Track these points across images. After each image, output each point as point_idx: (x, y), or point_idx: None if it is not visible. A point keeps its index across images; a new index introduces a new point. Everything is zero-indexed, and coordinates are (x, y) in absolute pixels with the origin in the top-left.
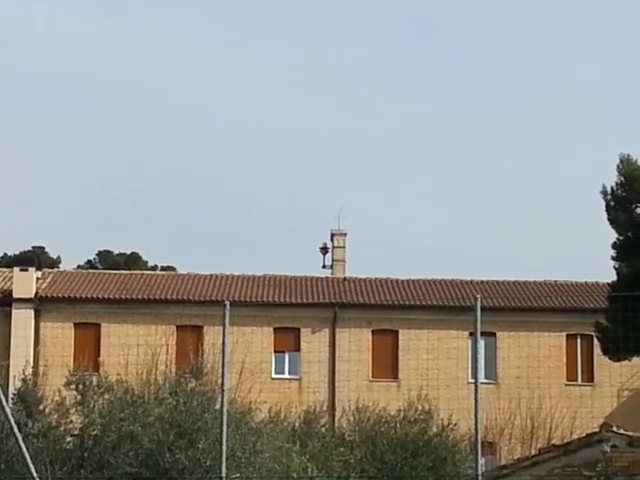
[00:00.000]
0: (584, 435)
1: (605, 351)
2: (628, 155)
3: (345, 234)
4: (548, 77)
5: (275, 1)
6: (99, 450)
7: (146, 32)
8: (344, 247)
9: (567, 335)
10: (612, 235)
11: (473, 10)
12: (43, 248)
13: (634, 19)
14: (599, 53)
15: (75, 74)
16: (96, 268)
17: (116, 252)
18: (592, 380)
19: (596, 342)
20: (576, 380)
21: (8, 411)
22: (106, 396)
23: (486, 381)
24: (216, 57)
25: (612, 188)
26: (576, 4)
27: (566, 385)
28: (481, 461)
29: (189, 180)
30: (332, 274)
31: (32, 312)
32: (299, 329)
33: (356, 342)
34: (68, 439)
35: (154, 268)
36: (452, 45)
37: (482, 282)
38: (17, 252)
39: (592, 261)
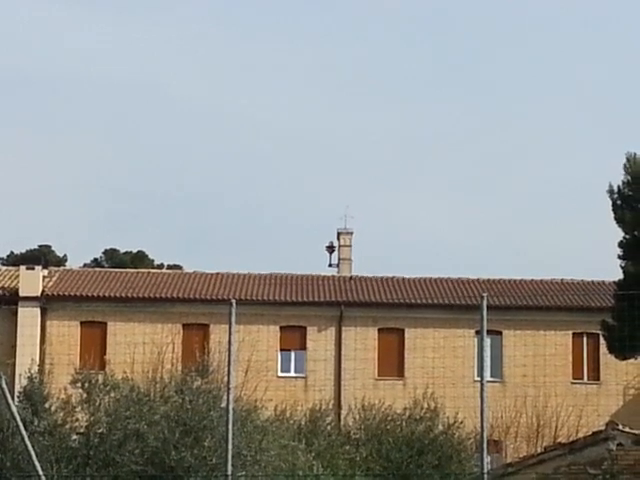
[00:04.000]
0: (590, 433)
1: (611, 349)
2: (635, 154)
3: (351, 233)
4: (549, 77)
5: (280, 1)
6: (105, 448)
7: (151, 33)
8: (350, 246)
9: (573, 334)
10: (619, 234)
11: (474, 10)
12: (49, 247)
13: (635, 19)
14: (600, 53)
15: (78, 74)
16: (102, 266)
17: (122, 250)
18: (598, 378)
19: (602, 341)
20: (582, 378)
21: (14, 409)
22: (112, 394)
23: (492, 379)
24: (223, 58)
25: (619, 187)
26: (577, 4)
27: (572, 383)
28: (487, 459)
29: (196, 179)
30: (338, 273)
31: (38, 310)
32: (305, 327)
33: (362, 340)
34: (74, 437)
35: (160, 267)
36: (454, 45)
37: (488, 281)
38: (23, 250)
39: (598, 260)
